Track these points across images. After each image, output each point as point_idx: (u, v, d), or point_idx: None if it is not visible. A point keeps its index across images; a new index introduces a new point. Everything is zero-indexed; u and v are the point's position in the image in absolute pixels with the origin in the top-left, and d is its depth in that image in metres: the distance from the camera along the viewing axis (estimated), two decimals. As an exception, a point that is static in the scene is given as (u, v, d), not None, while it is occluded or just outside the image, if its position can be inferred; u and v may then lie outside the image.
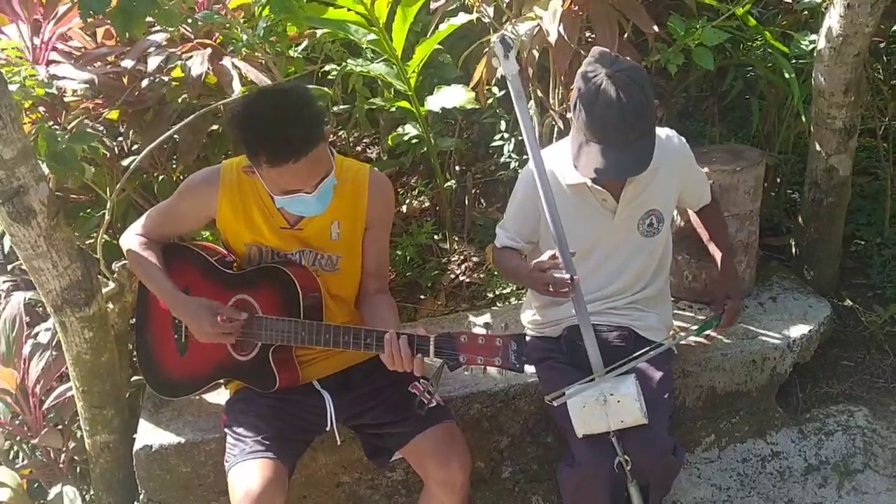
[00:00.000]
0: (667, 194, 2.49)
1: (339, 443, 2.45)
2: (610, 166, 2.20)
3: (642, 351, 2.38)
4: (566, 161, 2.35)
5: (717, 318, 2.60)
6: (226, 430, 2.40)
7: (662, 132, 2.47)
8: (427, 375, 2.38)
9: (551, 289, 2.22)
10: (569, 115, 2.38)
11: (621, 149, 2.20)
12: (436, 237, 3.62)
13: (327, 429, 2.41)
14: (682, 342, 2.64)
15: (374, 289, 2.48)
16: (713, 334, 2.87)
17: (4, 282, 3.22)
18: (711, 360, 2.83)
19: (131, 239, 2.47)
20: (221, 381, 2.52)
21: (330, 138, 2.30)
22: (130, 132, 3.02)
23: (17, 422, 2.91)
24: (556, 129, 3.16)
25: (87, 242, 2.97)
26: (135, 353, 2.74)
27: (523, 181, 2.49)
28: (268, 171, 2.13)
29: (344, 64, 3.38)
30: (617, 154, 2.20)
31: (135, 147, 3.06)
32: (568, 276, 2.20)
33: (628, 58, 2.35)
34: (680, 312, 2.98)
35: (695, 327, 2.66)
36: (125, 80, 2.90)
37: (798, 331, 2.92)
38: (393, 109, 3.50)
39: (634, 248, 2.51)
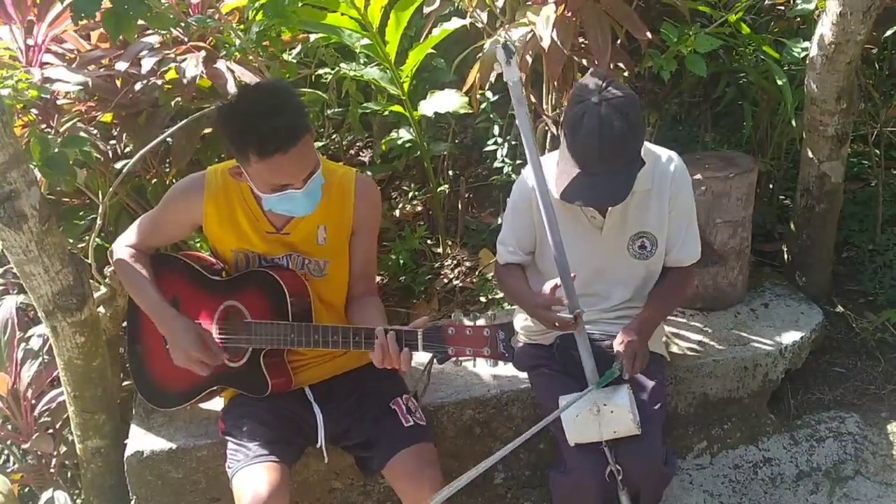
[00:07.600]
0: (660, 218, 2.41)
1: (325, 460, 2.45)
2: (584, 192, 2.18)
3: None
4: (554, 174, 2.30)
5: (620, 365, 2.31)
6: (226, 437, 2.39)
7: (664, 154, 2.41)
8: (409, 389, 2.40)
9: (557, 325, 2.23)
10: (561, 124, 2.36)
11: (599, 177, 2.16)
12: (429, 242, 3.61)
13: (317, 445, 2.41)
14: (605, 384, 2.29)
15: (361, 291, 2.49)
16: (696, 347, 2.89)
17: (-4, 286, 3.21)
18: (703, 366, 2.83)
19: (120, 250, 2.46)
20: (216, 388, 2.51)
21: (315, 135, 2.28)
22: (124, 135, 3.01)
23: (9, 426, 2.90)
24: (549, 135, 3.17)
25: (80, 246, 2.96)
26: (127, 361, 2.73)
27: (516, 193, 2.46)
28: (257, 168, 2.12)
29: (337, 68, 3.38)
30: (594, 182, 2.16)
31: (128, 150, 3.05)
32: (571, 316, 2.19)
33: (624, 86, 2.24)
34: (672, 318, 2.99)
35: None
36: (118, 83, 2.89)
37: (790, 337, 2.93)
38: (386, 114, 3.50)
39: (628, 271, 2.47)
